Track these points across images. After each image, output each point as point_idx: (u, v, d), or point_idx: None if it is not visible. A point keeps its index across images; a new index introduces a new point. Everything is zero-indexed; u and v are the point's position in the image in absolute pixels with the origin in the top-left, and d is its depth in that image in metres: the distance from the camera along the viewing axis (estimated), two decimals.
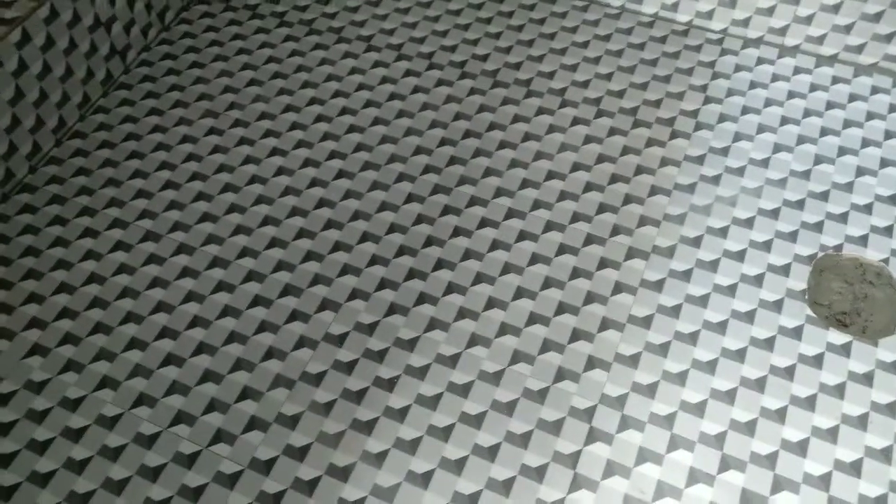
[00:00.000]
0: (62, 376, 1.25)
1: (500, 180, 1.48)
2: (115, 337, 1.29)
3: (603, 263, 1.37)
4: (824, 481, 1.15)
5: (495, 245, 1.40)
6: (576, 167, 1.50)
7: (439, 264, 1.38)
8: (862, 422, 1.20)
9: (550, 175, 1.49)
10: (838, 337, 1.29)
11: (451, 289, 1.35)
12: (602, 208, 1.44)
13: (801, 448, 1.18)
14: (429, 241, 1.40)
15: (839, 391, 1.23)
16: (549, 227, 1.42)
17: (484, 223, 1.43)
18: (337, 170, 1.50)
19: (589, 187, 1.47)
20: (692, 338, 1.29)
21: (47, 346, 1.28)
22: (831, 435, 1.19)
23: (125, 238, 1.41)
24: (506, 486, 1.14)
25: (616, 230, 1.41)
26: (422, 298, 1.34)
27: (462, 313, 1.32)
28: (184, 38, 1.73)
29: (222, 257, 1.39)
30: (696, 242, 1.40)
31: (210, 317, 1.32)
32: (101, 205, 1.46)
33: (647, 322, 1.31)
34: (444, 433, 1.19)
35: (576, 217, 1.43)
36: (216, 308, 1.32)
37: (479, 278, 1.36)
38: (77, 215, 1.44)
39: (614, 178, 1.48)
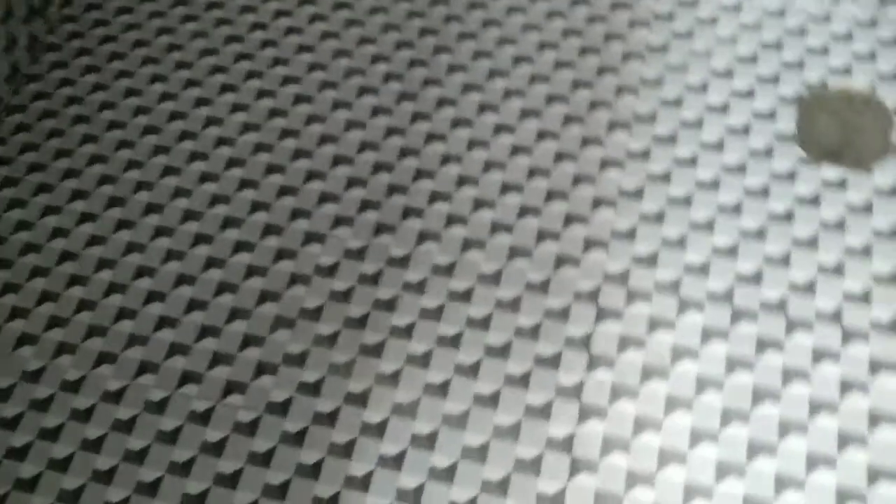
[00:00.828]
0: (57, 360, 1.22)
1: (466, 75, 1.41)
2: (102, 310, 1.26)
3: (585, 141, 1.33)
4: (837, 315, 1.15)
5: (472, 144, 1.35)
6: (542, 46, 1.42)
7: (418, 174, 1.33)
8: (866, 251, 1.19)
9: (518, 60, 1.42)
10: (833, 172, 1.26)
11: (434, 197, 1.30)
12: (576, 84, 1.38)
13: (809, 287, 1.17)
14: (403, 153, 1.35)
15: (840, 226, 1.22)
16: (525, 114, 1.36)
17: (457, 123, 1.37)
18: (293, 95, 1.43)
19: (559, 65, 1.40)
20: (686, 200, 1.26)
21: (34, 333, 1.25)
22: (837, 270, 1.18)
23: (88, 209, 1.35)
24: (523, 381, 1.14)
25: (594, 104, 1.36)
26: (407, 212, 1.30)
27: (451, 220, 1.28)
28: None
29: (193, 209, 1.33)
30: (677, 103, 1.35)
31: (195, 272, 1.28)
32: (56, 178, 1.39)
33: (638, 194, 1.27)
34: (454, 341, 1.18)
35: (551, 99, 1.37)
36: (198, 261, 1.28)
37: (461, 181, 1.31)
38: (34, 194, 1.38)
39: (584, 51, 1.41)
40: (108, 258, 1.30)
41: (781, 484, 1.04)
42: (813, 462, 1.05)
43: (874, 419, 1.07)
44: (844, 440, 1.06)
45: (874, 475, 1.03)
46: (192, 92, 1.45)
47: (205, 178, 1.36)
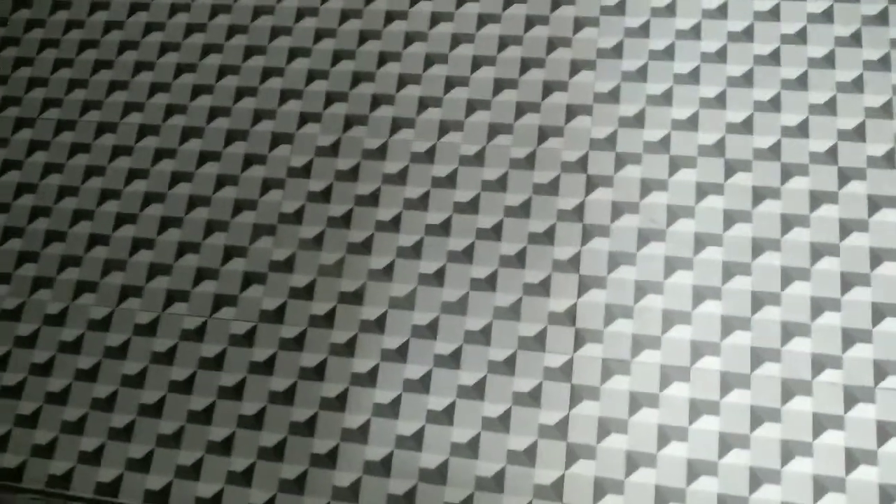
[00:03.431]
0: (35, 296, 1.17)
1: None
2: (73, 240, 1.19)
3: (556, 3, 1.24)
4: (831, 155, 1.11)
5: (435, 19, 1.25)
6: None
7: (382, 58, 1.24)
8: (857, 85, 1.14)
9: None
10: (817, 4, 1.20)
11: (403, 81, 1.22)
12: None
13: (801, 130, 1.13)
14: (363, 37, 1.26)
15: (829, 61, 1.16)
16: None
17: None
18: None
19: None
20: (667, 52, 1.19)
21: (50, 275, 1.19)
22: (829, 107, 1.14)
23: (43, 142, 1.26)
24: (519, 258, 1.11)
25: None
26: (376, 101, 1.22)
27: (423, 103, 1.21)
28: None
29: (149, 123, 1.24)
30: None
31: (162, 189, 1.21)
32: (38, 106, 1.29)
33: (617, 51, 1.20)
34: (443, 228, 1.14)
35: None
36: (164, 179, 1.21)
37: (429, 60, 1.23)
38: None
39: None
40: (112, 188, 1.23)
41: (787, 332, 1.04)
42: (818, 307, 1.04)
43: (876, 258, 1.06)
44: (847, 282, 1.05)
45: (878, 315, 1.03)
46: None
47: (155, 88, 1.27)
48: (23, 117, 1.27)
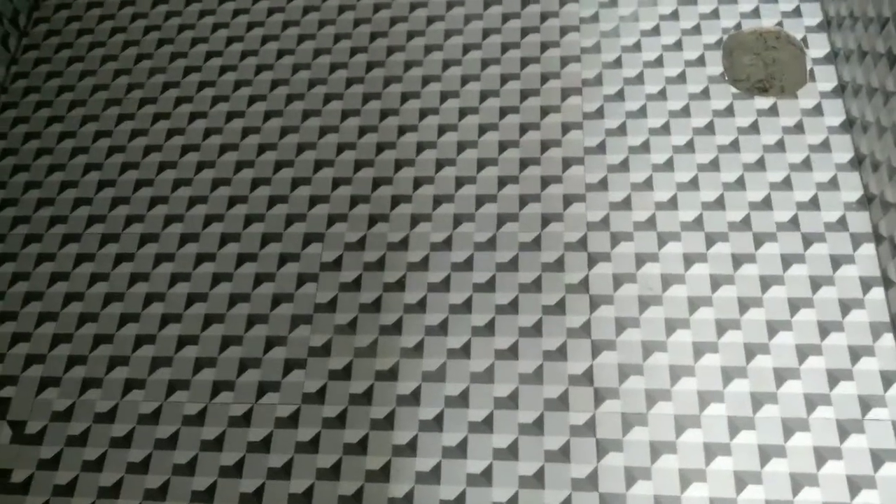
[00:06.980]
0: (84, 396, 1.24)
1: (421, 69, 1.51)
2: (120, 342, 1.28)
3: (544, 111, 1.44)
4: (794, 223, 1.29)
5: (442, 130, 1.44)
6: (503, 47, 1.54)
7: (398, 165, 1.41)
8: (806, 164, 1.35)
9: (467, 48, 1.53)
10: (764, 102, 1.42)
11: (419, 182, 1.39)
12: (525, 62, 1.49)
13: (766, 203, 1.31)
14: (379, 148, 1.43)
15: (780, 146, 1.37)
16: (484, 95, 1.47)
17: (424, 113, 1.46)
18: (263, 112, 1.49)
19: (506, 47, 1.52)
20: (644, 147, 1.39)
21: (56, 375, 1.26)
22: (786, 184, 1.33)
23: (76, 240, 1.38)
24: (536, 328, 1.24)
25: (545, 77, 1.48)
26: (396, 200, 1.38)
27: (438, 200, 1.37)
28: (48, 37, 1.63)
29: (189, 231, 1.37)
30: (618, 63, 1.48)
31: (204, 288, 1.32)
32: (54, 192, 1.41)
33: (601, 148, 1.39)
34: (465, 307, 1.26)
35: (505, 79, 1.48)
36: (205, 280, 1.33)
37: (440, 164, 1.40)
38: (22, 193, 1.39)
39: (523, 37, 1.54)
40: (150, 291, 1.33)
41: (780, 377, 1.17)
42: (802, 353, 1.18)
43: (844, 308, 1.22)
44: (824, 329, 1.20)
45: (854, 355, 1.18)
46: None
47: (194, 201, 1.41)
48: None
